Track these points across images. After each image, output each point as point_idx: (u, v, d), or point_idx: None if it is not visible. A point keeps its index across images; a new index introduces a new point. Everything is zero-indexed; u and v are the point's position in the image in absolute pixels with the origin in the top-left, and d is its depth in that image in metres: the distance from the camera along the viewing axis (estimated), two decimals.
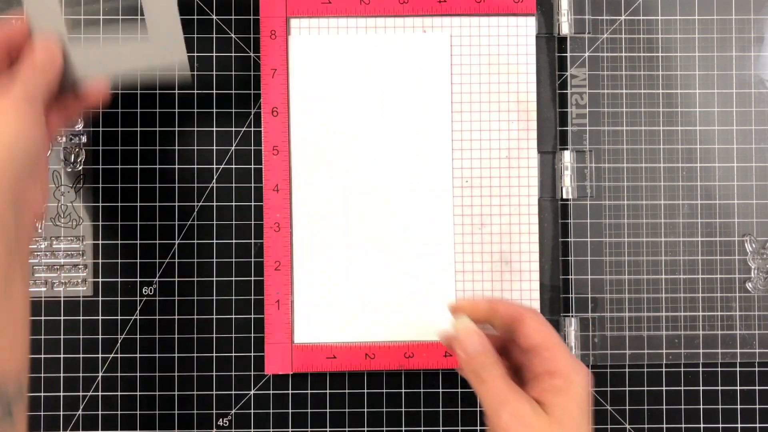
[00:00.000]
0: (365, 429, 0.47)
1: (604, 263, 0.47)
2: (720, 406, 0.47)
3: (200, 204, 0.47)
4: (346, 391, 0.47)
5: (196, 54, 0.47)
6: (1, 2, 0.47)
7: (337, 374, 0.47)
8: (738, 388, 0.47)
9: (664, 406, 0.47)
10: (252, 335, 0.47)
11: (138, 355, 0.47)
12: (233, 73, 0.47)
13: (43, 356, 0.47)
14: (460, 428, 0.47)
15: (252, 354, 0.47)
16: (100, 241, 0.47)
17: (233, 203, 0.47)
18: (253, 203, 0.47)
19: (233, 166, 0.47)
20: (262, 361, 0.47)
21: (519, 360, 0.38)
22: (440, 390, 0.47)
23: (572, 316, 0.47)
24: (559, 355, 0.35)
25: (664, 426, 0.47)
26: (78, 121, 0.47)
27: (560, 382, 0.34)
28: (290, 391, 0.47)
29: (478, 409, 0.47)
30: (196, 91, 0.47)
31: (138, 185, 0.47)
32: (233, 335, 0.47)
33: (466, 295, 0.47)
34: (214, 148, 0.47)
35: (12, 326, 0.34)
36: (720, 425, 0.47)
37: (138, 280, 0.47)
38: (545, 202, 0.47)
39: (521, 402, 0.34)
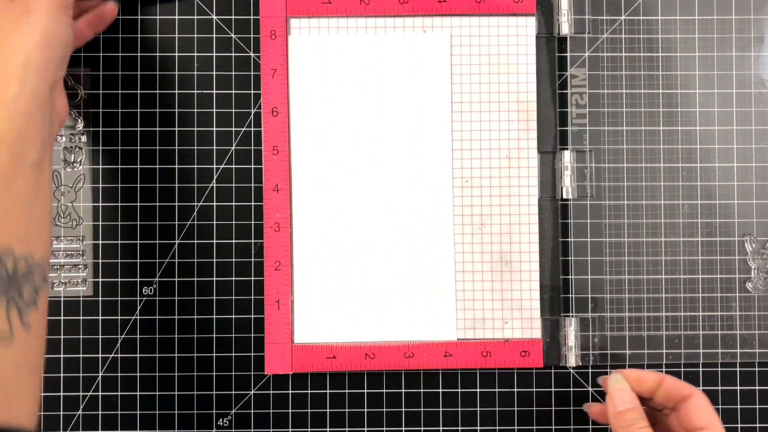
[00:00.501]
0: (365, 429, 0.47)
1: (604, 263, 0.47)
2: (720, 406, 0.47)
3: (200, 204, 0.47)
4: (346, 391, 0.47)
5: (196, 54, 0.47)
6: None
7: (337, 374, 0.47)
8: (738, 388, 0.47)
9: None
10: (252, 335, 0.47)
11: (138, 355, 0.47)
12: (233, 73, 0.48)
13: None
14: (460, 428, 0.47)
15: (252, 354, 0.47)
16: (100, 241, 0.47)
17: (233, 203, 0.47)
18: (253, 203, 0.47)
19: (233, 166, 0.47)
20: (262, 361, 0.47)
21: None
22: (440, 390, 0.47)
23: (572, 316, 0.47)
24: None
25: None
26: (79, 121, 0.47)
27: None
28: (290, 391, 0.47)
29: (478, 409, 0.47)
30: (196, 91, 0.47)
31: (138, 185, 0.47)
32: (233, 335, 0.47)
33: (465, 295, 0.47)
34: (214, 148, 0.47)
35: (41, 212, 0.36)
36: None
37: (138, 280, 0.47)
38: (545, 202, 0.47)
39: None
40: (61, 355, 0.47)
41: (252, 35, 0.48)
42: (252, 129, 0.47)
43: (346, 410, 0.47)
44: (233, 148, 0.47)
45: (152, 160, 0.47)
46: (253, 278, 0.47)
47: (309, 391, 0.47)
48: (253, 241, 0.47)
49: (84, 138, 0.47)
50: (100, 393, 0.47)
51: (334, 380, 0.47)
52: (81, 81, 0.47)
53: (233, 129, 0.47)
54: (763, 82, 0.48)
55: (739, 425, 0.47)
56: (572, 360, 0.47)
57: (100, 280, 0.47)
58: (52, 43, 0.36)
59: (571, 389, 0.47)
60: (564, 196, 0.47)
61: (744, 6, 0.48)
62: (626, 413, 0.38)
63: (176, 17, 0.47)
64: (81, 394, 0.47)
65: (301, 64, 0.47)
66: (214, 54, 0.48)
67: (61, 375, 0.47)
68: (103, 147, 0.47)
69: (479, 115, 0.47)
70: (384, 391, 0.47)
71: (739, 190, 0.48)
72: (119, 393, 0.47)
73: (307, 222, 0.47)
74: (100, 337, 0.47)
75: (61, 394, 0.47)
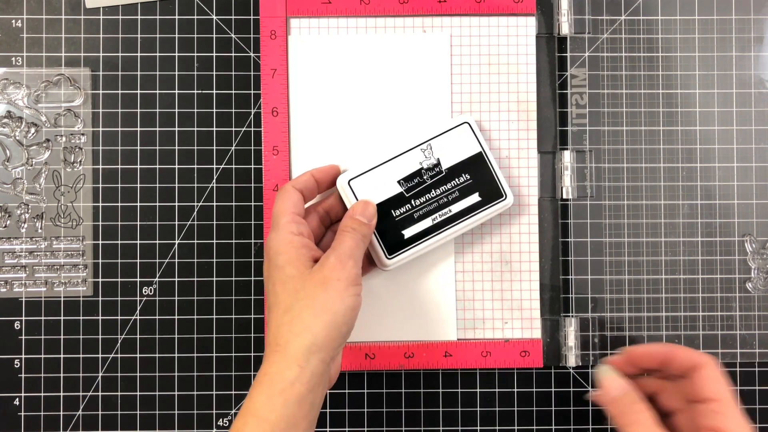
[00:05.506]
0: (365, 429, 0.47)
1: (604, 263, 0.47)
2: None
3: (200, 204, 0.47)
4: (346, 391, 0.47)
5: (196, 54, 0.47)
6: (1, 2, 0.47)
7: None
8: (738, 388, 0.47)
9: None
10: (252, 335, 0.47)
11: (138, 355, 0.47)
12: (233, 73, 0.48)
13: (43, 356, 0.47)
14: (460, 428, 0.47)
15: (252, 354, 0.47)
16: (100, 241, 0.47)
17: (233, 203, 0.47)
18: (253, 203, 0.47)
19: (233, 166, 0.47)
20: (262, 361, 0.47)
21: (673, 406, 0.39)
22: (440, 390, 0.47)
23: (572, 316, 0.47)
24: (730, 413, 0.36)
25: None
26: (79, 121, 0.47)
27: None
28: None
29: (478, 409, 0.47)
30: (196, 91, 0.47)
31: (138, 185, 0.47)
32: (233, 335, 0.47)
33: (466, 295, 0.47)
34: (214, 148, 0.47)
35: None
36: None
37: (138, 280, 0.47)
38: (545, 202, 0.47)
39: None
40: (61, 355, 0.47)
41: (252, 35, 0.48)
42: (252, 129, 0.47)
43: (346, 410, 0.47)
44: (233, 148, 0.47)
45: (152, 160, 0.47)
46: (253, 278, 0.47)
47: None
48: (253, 241, 0.47)
49: (84, 138, 0.47)
50: (100, 393, 0.47)
51: None
52: (81, 81, 0.47)
53: (233, 129, 0.47)
54: (763, 82, 0.48)
55: None
56: (572, 360, 0.47)
57: (100, 280, 0.47)
58: (339, 323, 0.36)
59: (571, 389, 0.47)
60: (564, 196, 0.47)
61: (744, 6, 0.48)
62: (620, 399, 0.38)
63: (176, 17, 0.47)
64: (81, 394, 0.47)
65: (301, 64, 0.47)
66: (214, 54, 0.48)
67: (61, 375, 0.47)
68: (103, 147, 0.47)
69: (479, 115, 0.47)
70: (384, 391, 0.47)
71: (739, 190, 0.48)
72: (119, 393, 0.47)
73: None
74: (100, 337, 0.47)
75: (61, 394, 0.47)
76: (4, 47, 0.47)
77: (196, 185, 0.47)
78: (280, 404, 0.35)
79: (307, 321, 0.36)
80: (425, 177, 0.44)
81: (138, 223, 0.47)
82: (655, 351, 0.39)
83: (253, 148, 0.47)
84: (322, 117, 0.47)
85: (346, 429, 0.47)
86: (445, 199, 0.44)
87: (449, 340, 0.47)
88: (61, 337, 0.47)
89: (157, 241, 0.47)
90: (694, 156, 0.48)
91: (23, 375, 0.47)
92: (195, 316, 0.47)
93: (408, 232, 0.43)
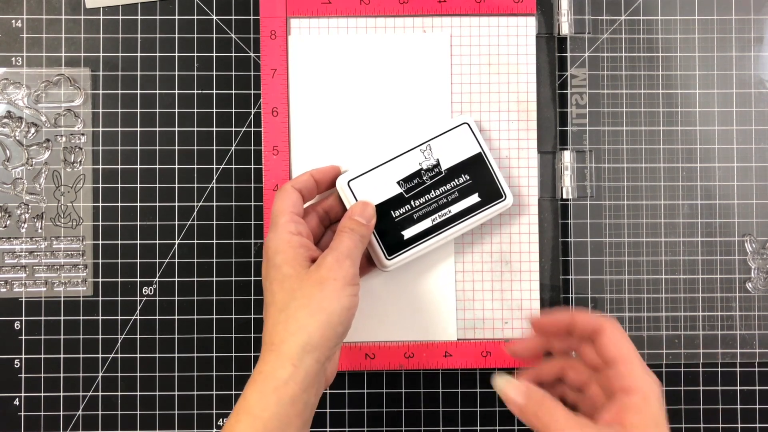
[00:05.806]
0: (365, 429, 0.47)
1: (604, 263, 0.47)
2: (720, 406, 0.47)
3: (200, 204, 0.47)
4: (346, 391, 0.47)
5: (196, 54, 0.47)
6: (1, 2, 0.47)
7: (337, 374, 0.47)
8: (738, 388, 0.47)
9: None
10: (252, 335, 0.47)
11: (138, 355, 0.47)
12: (233, 73, 0.48)
13: (43, 356, 0.47)
14: (460, 428, 0.47)
15: (252, 354, 0.47)
16: (100, 241, 0.47)
17: (233, 203, 0.47)
18: (253, 203, 0.47)
19: (233, 166, 0.47)
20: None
21: (583, 379, 0.38)
22: (440, 390, 0.47)
23: None
24: (636, 371, 0.35)
25: None
26: (79, 121, 0.47)
27: (637, 399, 0.34)
28: None
29: (478, 409, 0.47)
30: (196, 91, 0.47)
31: (138, 185, 0.47)
32: (233, 335, 0.47)
33: (466, 295, 0.47)
34: (214, 148, 0.47)
35: None
36: (720, 425, 0.47)
37: (138, 280, 0.47)
38: (545, 202, 0.47)
39: (589, 429, 0.34)
40: (61, 355, 0.47)
41: (252, 35, 0.48)
42: (252, 129, 0.47)
43: (346, 410, 0.47)
44: (233, 148, 0.47)
45: (152, 160, 0.47)
46: (253, 278, 0.47)
47: None
48: (253, 241, 0.47)
49: (84, 138, 0.47)
50: (100, 393, 0.47)
51: (334, 380, 0.47)
52: (81, 81, 0.47)
53: (233, 129, 0.47)
54: (763, 82, 0.48)
55: (739, 425, 0.47)
56: None
57: (100, 280, 0.47)
58: (335, 323, 0.36)
59: None
60: (564, 196, 0.47)
61: (744, 6, 0.48)
62: (527, 404, 0.36)
63: (176, 17, 0.47)
64: (81, 394, 0.47)
65: (301, 64, 0.47)
66: (214, 54, 0.48)
67: (61, 375, 0.47)
68: (103, 147, 0.47)
69: (479, 115, 0.47)
70: (384, 391, 0.47)
71: (739, 190, 0.48)
72: (119, 393, 0.47)
73: None
74: (100, 337, 0.47)
75: (61, 394, 0.47)
76: (4, 47, 0.47)
77: (196, 185, 0.47)
78: (273, 402, 0.35)
79: (303, 320, 0.36)
80: (425, 177, 0.44)
81: (138, 223, 0.47)
82: (558, 318, 0.39)
83: (253, 148, 0.47)
84: (322, 117, 0.47)
85: (346, 429, 0.47)
86: (445, 200, 0.44)
87: (449, 340, 0.47)
88: (61, 337, 0.47)
89: (157, 241, 0.47)
90: (694, 156, 0.48)
91: (23, 375, 0.47)
92: (195, 316, 0.47)
93: (408, 233, 0.43)
